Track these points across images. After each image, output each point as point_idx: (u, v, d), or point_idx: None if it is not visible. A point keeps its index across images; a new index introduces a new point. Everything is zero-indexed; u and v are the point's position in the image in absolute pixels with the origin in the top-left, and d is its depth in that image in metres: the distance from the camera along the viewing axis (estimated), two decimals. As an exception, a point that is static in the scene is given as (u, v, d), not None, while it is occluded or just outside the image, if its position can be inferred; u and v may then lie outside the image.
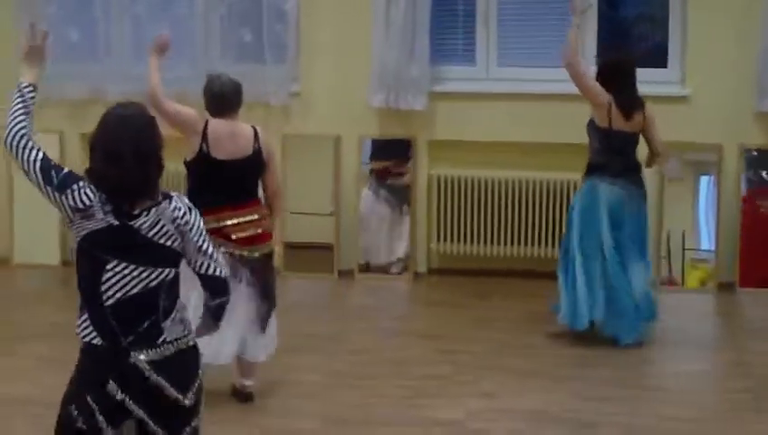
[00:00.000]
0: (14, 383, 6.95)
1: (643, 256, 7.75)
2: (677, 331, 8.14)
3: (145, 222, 4.04)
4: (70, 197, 4.03)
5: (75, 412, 4.12)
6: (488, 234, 9.37)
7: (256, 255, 6.54)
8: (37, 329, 7.77)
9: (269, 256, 6.64)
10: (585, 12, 7.94)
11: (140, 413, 4.09)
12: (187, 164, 6.52)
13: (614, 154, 7.61)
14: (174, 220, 4.09)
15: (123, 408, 4.08)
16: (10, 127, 4.17)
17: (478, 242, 9.39)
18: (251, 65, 9.42)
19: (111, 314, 4.05)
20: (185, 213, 4.12)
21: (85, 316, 4.11)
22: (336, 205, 9.49)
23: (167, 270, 4.10)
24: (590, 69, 7.89)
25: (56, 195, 4.05)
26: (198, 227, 4.16)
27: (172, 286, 4.14)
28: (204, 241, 4.17)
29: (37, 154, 4.11)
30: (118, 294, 4.04)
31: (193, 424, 4.25)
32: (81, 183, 4.04)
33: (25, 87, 4.32)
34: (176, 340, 4.14)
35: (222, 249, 6.44)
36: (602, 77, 7.65)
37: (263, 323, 6.62)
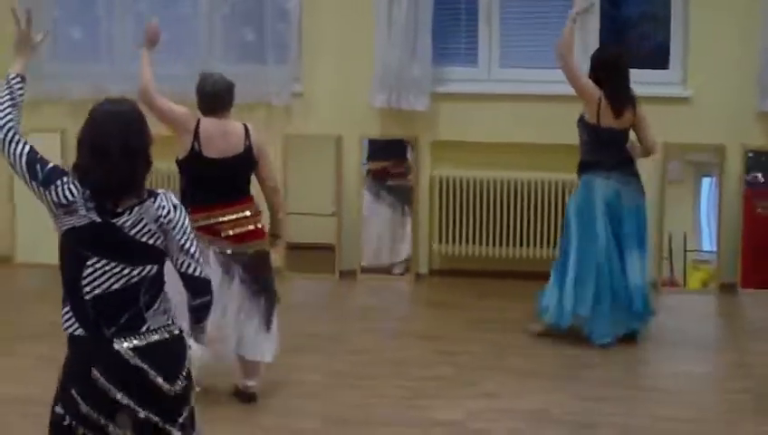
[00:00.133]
0: (14, 383, 6.96)
1: (640, 249, 7.75)
2: (678, 332, 8.13)
3: (128, 220, 4.03)
4: (53, 192, 4.03)
5: (62, 411, 4.13)
6: (490, 235, 9.36)
7: (249, 252, 6.55)
8: (38, 328, 7.78)
9: (263, 253, 6.65)
10: (586, 11, 7.93)
11: (126, 401, 4.07)
12: (178, 163, 6.55)
13: (604, 150, 7.64)
14: (157, 219, 4.07)
15: (111, 399, 4.06)
16: None
17: (480, 243, 9.39)
18: (253, 65, 9.43)
19: (92, 308, 4.06)
20: (168, 211, 4.09)
21: (68, 308, 4.12)
22: (338, 205, 9.49)
23: (148, 267, 4.09)
24: (584, 68, 7.88)
25: (41, 189, 4.06)
26: (182, 225, 4.13)
27: (154, 281, 4.13)
28: (187, 240, 4.14)
29: (23, 148, 4.11)
30: (97, 290, 4.05)
31: (185, 413, 4.23)
32: (65, 178, 4.04)
33: (13, 78, 4.31)
34: (160, 328, 4.13)
35: (214, 247, 6.47)
36: (595, 72, 7.68)
37: (267, 322, 6.63)
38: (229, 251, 6.49)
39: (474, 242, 9.38)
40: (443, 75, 9.45)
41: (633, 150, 7.86)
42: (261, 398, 6.72)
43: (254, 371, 6.71)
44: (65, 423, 4.12)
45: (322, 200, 9.54)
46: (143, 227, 4.05)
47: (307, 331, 8.00)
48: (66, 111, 9.37)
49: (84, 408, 4.08)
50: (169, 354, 4.16)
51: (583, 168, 7.77)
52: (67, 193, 4.02)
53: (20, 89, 4.32)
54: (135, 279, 4.07)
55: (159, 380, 4.09)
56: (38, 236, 9.40)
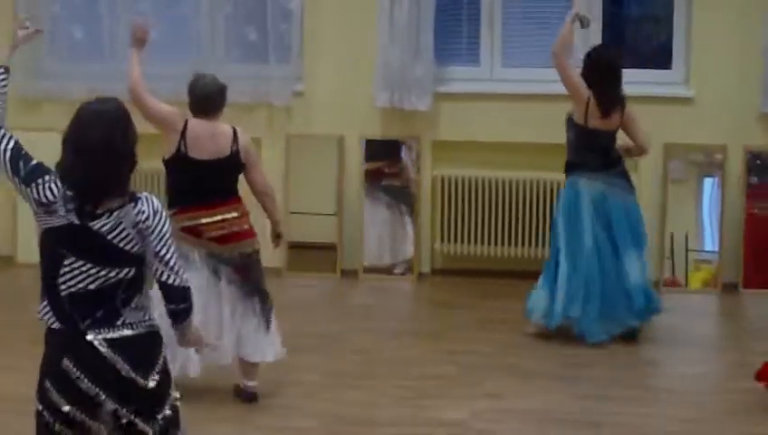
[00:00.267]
0: (14, 382, 6.95)
1: (637, 247, 7.73)
2: (680, 331, 8.13)
3: (105, 224, 4.01)
4: (35, 190, 4.03)
5: (40, 406, 4.13)
6: (492, 234, 9.36)
7: (235, 253, 6.54)
8: (39, 328, 7.74)
9: (250, 254, 6.63)
10: (583, 23, 7.90)
11: (95, 390, 4.04)
12: (165, 162, 6.55)
13: (589, 151, 7.67)
14: (136, 224, 4.04)
15: (81, 389, 4.05)
16: None
17: (482, 243, 9.38)
18: (255, 65, 9.43)
19: (68, 303, 4.06)
20: (148, 217, 4.06)
21: (45, 302, 4.11)
22: (339, 205, 9.48)
23: (125, 270, 4.07)
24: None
25: (22, 186, 4.07)
26: (160, 232, 4.09)
27: (133, 282, 4.11)
28: (163, 248, 4.09)
29: (8, 142, 4.11)
30: (73, 288, 4.04)
31: (165, 412, 4.20)
32: (47, 177, 4.04)
33: None
34: (135, 323, 4.12)
35: (199, 249, 6.45)
36: (586, 71, 7.68)
37: (266, 322, 6.62)
38: (217, 252, 6.49)
39: (476, 241, 9.38)
40: (445, 75, 9.45)
41: (629, 151, 7.87)
42: (262, 398, 6.71)
43: (253, 371, 6.71)
44: (45, 420, 4.12)
45: (324, 200, 9.54)
46: (121, 232, 4.03)
47: (308, 330, 7.99)
48: (66, 110, 9.22)
49: (56, 398, 4.07)
50: (143, 348, 4.14)
51: (569, 168, 7.81)
52: (48, 192, 4.01)
53: (3, 80, 4.32)
54: (112, 280, 4.06)
55: (132, 373, 4.08)
56: (39, 235, 9.42)
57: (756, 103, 8.91)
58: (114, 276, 4.05)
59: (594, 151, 7.67)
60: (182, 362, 6.45)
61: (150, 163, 6.66)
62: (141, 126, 6.51)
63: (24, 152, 4.11)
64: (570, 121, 7.75)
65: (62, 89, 9.34)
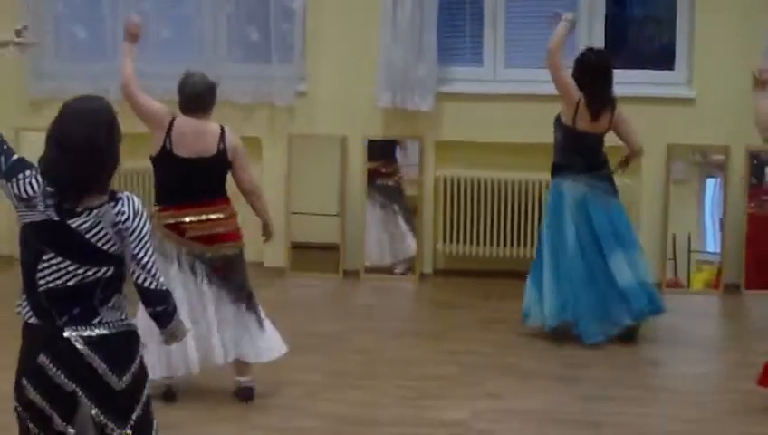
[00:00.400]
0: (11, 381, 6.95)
1: (625, 248, 7.73)
2: (682, 332, 8.13)
3: (84, 222, 4.00)
4: (15, 185, 4.03)
5: (19, 407, 4.13)
6: (494, 235, 9.36)
7: (218, 254, 6.54)
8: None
9: (233, 256, 6.61)
10: (573, 26, 7.91)
11: (72, 386, 4.04)
12: (152, 160, 6.58)
13: (575, 153, 7.69)
14: (115, 224, 4.03)
15: (57, 386, 4.04)
16: None
17: (484, 243, 9.39)
18: (257, 65, 9.43)
19: (45, 299, 4.06)
20: (127, 218, 4.04)
21: (24, 296, 4.12)
22: (341, 205, 9.48)
23: (104, 269, 4.06)
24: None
25: (2, 181, 4.06)
26: (139, 235, 4.06)
27: (111, 282, 4.09)
28: (141, 250, 4.07)
29: None
30: (51, 284, 4.04)
31: (137, 413, 4.19)
32: (28, 172, 4.03)
33: None
34: (112, 322, 4.11)
35: (180, 247, 6.46)
36: (577, 74, 7.69)
37: (257, 321, 6.62)
38: (198, 252, 6.49)
39: (478, 242, 9.38)
40: (448, 75, 9.45)
41: (626, 159, 7.90)
42: (262, 398, 6.72)
43: (246, 369, 6.70)
44: (23, 417, 4.14)
45: (326, 200, 9.54)
46: (99, 232, 4.02)
47: (310, 330, 8.00)
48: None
49: (32, 394, 4.08)
50: (118, 348, 4.12)
51: (554, 170, 7.84)
52: (28, 187, 4.01)
53: None
54: (90, 279, 4.05)
55: (108, 372, 4.07)
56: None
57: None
58: (92, 275, 4.04)
59: (581, 154, 7.69)
60: (176, 363, 6.44)
61: (141, 163, 6.72)
62: (134, 126, 6.63)
63: (6, 147, 4.11)
64: (558, 123, 7.77)
65: (66, 89, 9.28)
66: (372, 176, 9.49)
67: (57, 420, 4.09)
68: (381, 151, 9.49)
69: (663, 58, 9.39)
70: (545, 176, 9.08)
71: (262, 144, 9.56)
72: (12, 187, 4.04)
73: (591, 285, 7.67)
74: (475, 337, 7.93)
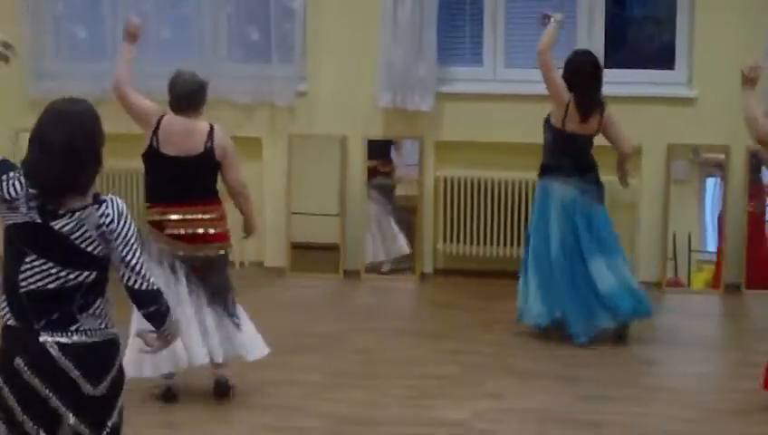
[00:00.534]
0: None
1: (605, 254, 7.73)
2: (682, 331, 8.13)
3: (67, 224, 3.99)
4: None
5: None
6: (494, 235, 9.37)
7: (200, 255, 6.52)
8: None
9: (216, 258, 6.59)
10: (561, 26, 7.92)
11: (45, 392, 4.02)
12: (142, 158, 6.58)
13: (564, 155, 7.70)
14: (99, 227, 4.02)
15: (33, 391, 4.02)
16: None
17: (484, 243, 9.39)
18: (258, 64, 9.43)
19: (26, 301, 4.04)
20: (112, 220, 4.04)
21: (4, 298, 4.11)
22: (342, 205, 9.48)
23: (86, 273, 4.05)
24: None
25: None
26: (125, 237, 4.06)
27: (93, 287, 4.09)
28: (128, 253, 4.07)
29: None
30: (32, 286, 4.03)
31: (113, 419, 4.18)
32: (11, 174, 4.02)
33: None
34: (90, 330, 4.10)
35: (161, 245, 6.45)
36: (567, 75, 7.69)
37: (234, 324, 6.59)
38: (179, 252, 6.48)
39: (478, 242, 9.39)
40: (448, 75, 9.45)
41: (621, 165, 7.89)
42: (263, 397, 6.72)
43: (222, 367, 6.65)
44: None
45: (327, 200, 9.54)
46: (83, 234, 4.01)
47: (311, 330, 8.00)
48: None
49: (6, 393, 4.06)
50: (95, 356, 4.10)
51: (543, 171, 7.85)
52: (11, 189, 4.00)
53: None
54: (72, 282, 4.04)
55: (82, 380, 4.05)
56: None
57: (760, 102, 8.88)
58: (74, 278, 4.03)
59: (569, 156, 7.70)
60: (164, 361, 6.41)
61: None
62: (128, 126, 6.63)
63: None
64: (547, 124, 7.79)
65: (66, 89, 9.27)
66: (371, 173, 9.49)
67: (29, 425, 4.06)
68: (380, 151, 9.50)
69: (663, 58, 9.39)
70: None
71: (262, 144, 9.56)
72: None
73: (574, 289, 7.68)
74: (475, 337, 7.93)
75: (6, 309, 4.10)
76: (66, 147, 3.96)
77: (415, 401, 6.74)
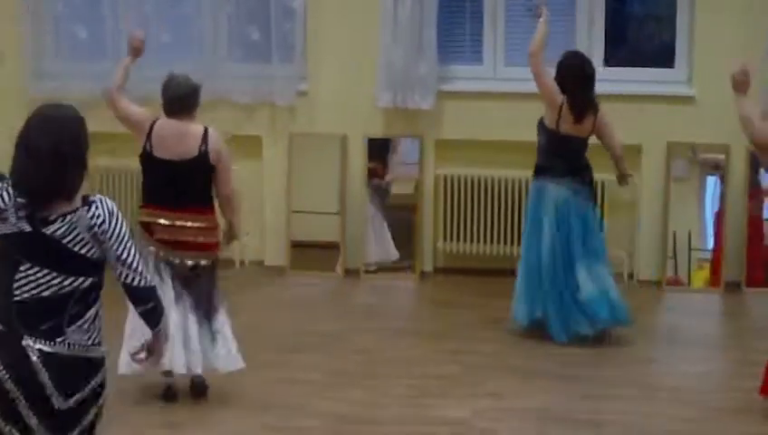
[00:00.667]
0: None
1: (593, 256, 7.73)
2: (682, 330, 8.14)
3: (58, 229, 3.99)
4: None
5: None
6: (494, 233, 9.37)
7: (186, 262, 6.51)
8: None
9: (202, 267, 6.57)
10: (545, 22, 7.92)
11: (16, 393, 4.00)
12: (139, 160, 6.58)
13: (558, 156, 7.71)
14: (91, 228, 4.03)
15: (9, 398, 4.02)
16: None
17: (485, 241, 9.39)
18: (258, 64, 9.43)
19: (17, 310, 4.02)
20: (103, 221, 4.04)
21: None
22: (342, 204, 9.48)
23: (81, 278, 4.05)
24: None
25: None
26: (118, 235, 4.07)
27: (85, 295, 4.08)
28: (123, 250, 4.08)
29: None
30: (26, 295, 4.02)
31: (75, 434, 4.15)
32: (0, 184, 4.02)
33: None
34: (75, 345, 4.08)
35: (150, 247, 6.44)
36: (559, 78, 7.69)
37: (210, 334, 6.56)
38: (166, 257, 6.47)
39: (478, 240, 9.39)
40: (448, 74, 9.45)
41: (618, 168, 7.89)
42: (263, 397, 6.72)
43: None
44: None
45: (327, 199, 9.54)
46: (76, 237, 4.01)
47: (311, 329, 8.00)
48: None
49: None
50: (72, 371, 4.08)
51: (537, 172, 7.87)
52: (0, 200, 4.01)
53: None
54: (66, 289, 4.04)
55: (52, 391, 4.03)
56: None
57: (759, 103, 8.88)
58: (68, 285, 4.03)
59: (563, 157, 7.71)
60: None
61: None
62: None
63: None
64: (541, 126, 7.79)
65: (66, 89, 9.32)
66: (372, 175, 9.50)
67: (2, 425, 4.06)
68: (378, 152, 9.49)
69: (663, 56, 9.39)
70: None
71: (263, 143, 9.56)
72: None
73: (557, 292, 7.69)
74: (475, 336, 7.94)
75: None
76: (53, 152, 3.97)
77: (415, 400, 6.74)
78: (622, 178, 7.97)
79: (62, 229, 3.99)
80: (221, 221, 6.72)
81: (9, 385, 4.01)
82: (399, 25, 9.13)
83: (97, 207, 4.05)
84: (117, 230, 4.07)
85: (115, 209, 4.10)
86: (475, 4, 9.51)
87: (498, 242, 9.36)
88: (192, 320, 6.51)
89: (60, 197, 3.99)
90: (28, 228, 3.99)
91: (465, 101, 9.37)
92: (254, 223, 9.55)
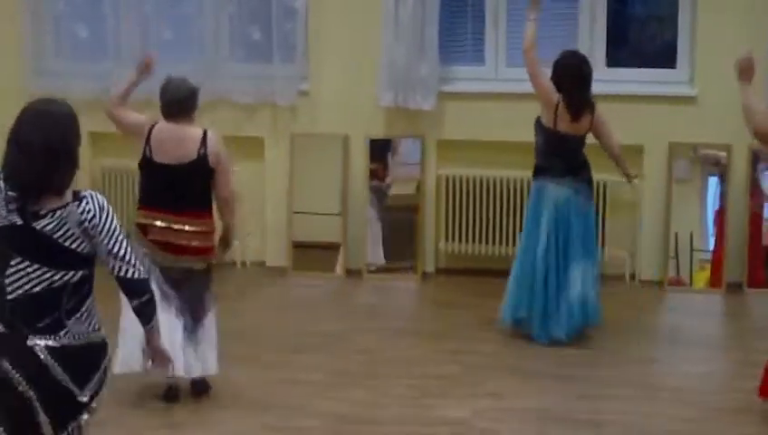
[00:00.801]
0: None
1: (588, 257, 7.74)
2: (684, 330, 8.13)
3: (49, 224, 4.01)
4: None
5: None
6: (496, 234, 9.36)
7: (178, 265, 6.51)
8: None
9: (194, 271, 6.57)
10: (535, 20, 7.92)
11: (29, 393, 4.03)
12: (138, 167, 6.58)
13: (557, 155, 7.71)
14: (81, 223, 4.04)
15: (22, 397, 4.04)
16: None
17: (486, 242, 9.39)
18: (259, 64, 9.43)
19: (13, 308, 4.04)
20: (93, 216, 4.06)
21: None
22: (344, 205, 9.48)
23: (71, 272, 4.06)
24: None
25: None
26: (109, 229, 4.08)
27: (78, 288, 4.10)
28: (115, 244, 4.10)
29: None
30: (19, 291, 4.04)
31: (81, 418, 4.18)
32: None
33: None
34: (78, 334, 4.11)
35: (143, 249, 6.43)
36: (555, 77, 7.69)
37: (194, 340, 6.54)
38: (159, 260, 6.46)
39: (480, 241, 9.38)
40: (450, 74, 9.44)
41: (621, 167, 7.90)
42: (264, 397, 6.72)
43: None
44: None
45: (329, 199, 9.53)
46: (66, 232, 4.03)
47: (312, 329, 8.00)
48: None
49: None
50: (82, 360, 4.13)
51: (536, 172, 7.87)
52: None
53: None
54: (57, 284, 4.05)
55: (69, 383, 4.07)
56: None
57: (760, 102, 8.87)
58: (59, 279, 4.04)
59: (561, 156, 7.70)
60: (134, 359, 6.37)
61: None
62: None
63: None
64: (538, 125, 7.78)
65: (67, 88, 9.32)
66: (374, 176, 9.49)
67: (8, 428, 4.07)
68: (379, 153, 9.48)
69: (665, 56, 9.38)
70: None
71: (264, 144, 9.56)
72: None
73: (545, 295, 7.70)
74: (476, 336, 7.93)
75: None
76: (45, 147, 3.98)
77: (416, 400, 6.74)
78: (628, 178, 7.96)
79: (52, 225, 4.01)
80: (218, 225, 6.72)
81: (23, 386, 4.03)
82: (401, 26, 9.13)
83: (87, 203, 4.06)
84: (107, 225, 4.08)
85: (105, 204, 4.11)
86: (476, 4, 9.50)
87: (500, 243, 9.35)
88: (177, 324, 6.47)
89: (50, 192, 4.01)
90: (19, 222, 4.00)
91: (466, 101, 9.36)
92: (256, 224, 9.56)
